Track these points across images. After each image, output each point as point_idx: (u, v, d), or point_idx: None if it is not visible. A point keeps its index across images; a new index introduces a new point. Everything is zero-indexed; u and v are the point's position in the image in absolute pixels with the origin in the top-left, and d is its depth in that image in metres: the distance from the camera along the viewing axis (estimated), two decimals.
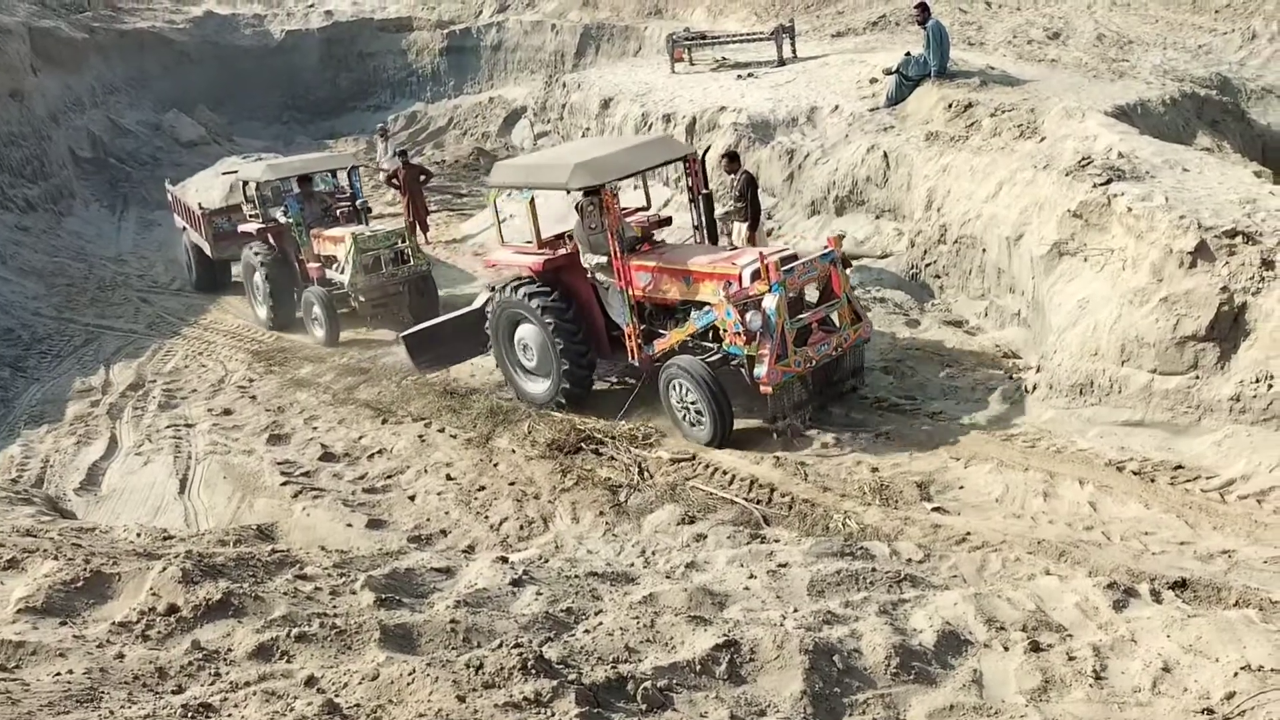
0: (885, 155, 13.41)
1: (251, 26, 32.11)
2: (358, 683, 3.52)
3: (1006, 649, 4.15)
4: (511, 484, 9.26)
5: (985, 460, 8.45)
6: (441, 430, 10.66)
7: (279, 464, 10.31)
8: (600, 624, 4.12)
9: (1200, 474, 7.81)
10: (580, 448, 9.91)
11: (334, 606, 4.26)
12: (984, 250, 11.67)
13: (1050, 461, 8.35)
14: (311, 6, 33.26)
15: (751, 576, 4.76)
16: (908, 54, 14.46)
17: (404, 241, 14.46)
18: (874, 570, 4.82)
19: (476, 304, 11.73)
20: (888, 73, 14.56)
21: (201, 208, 17.38)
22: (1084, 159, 10.69)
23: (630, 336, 9.99)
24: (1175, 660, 4.01)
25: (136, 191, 25.17)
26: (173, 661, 3.77)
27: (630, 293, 9.83)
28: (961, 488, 8.14)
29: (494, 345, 10.90)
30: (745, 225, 12.54)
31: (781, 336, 8.79)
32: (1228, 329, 8.46)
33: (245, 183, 15.93)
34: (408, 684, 3.43)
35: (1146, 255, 9.14)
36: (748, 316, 8.87)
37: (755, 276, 8.98)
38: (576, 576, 4.82)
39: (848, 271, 10.06)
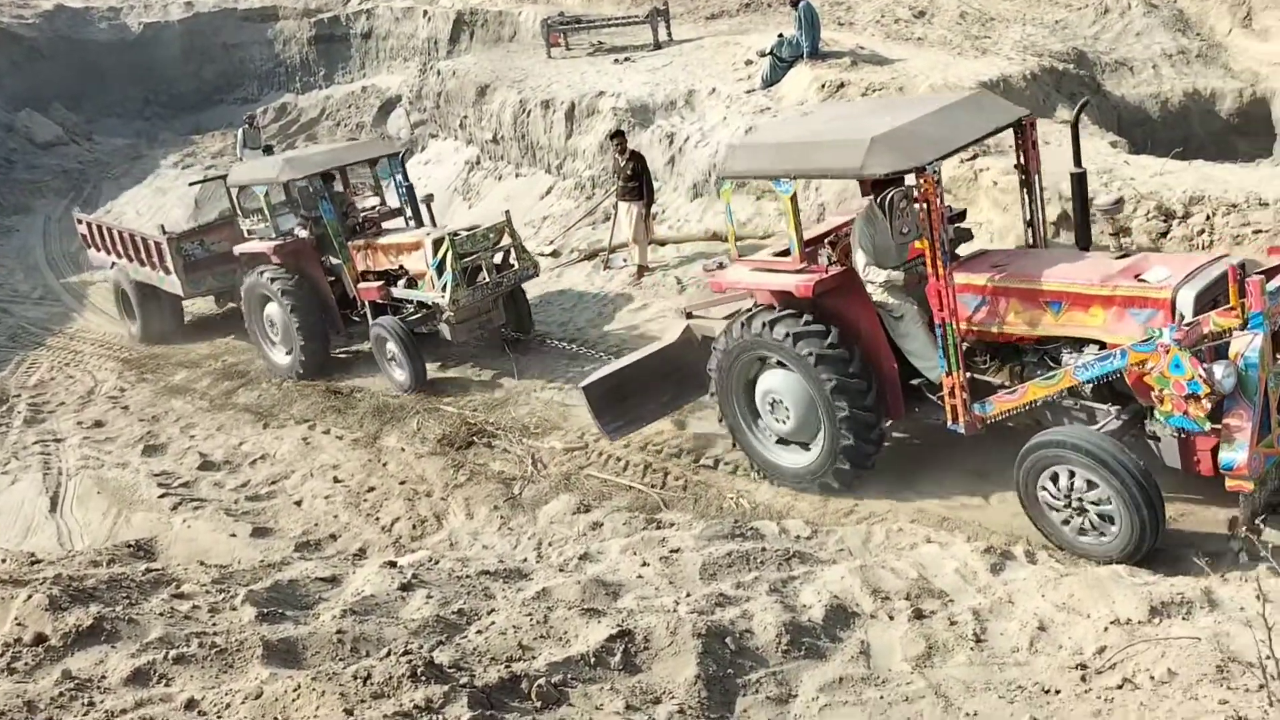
0: None
1: (106, 20, 30.64)
2: (240, 702, 3.41)
3: (891, 618, 4.26)
4: (402, 483, 9.10)
5: None
6: (326, 432, 10.41)
7: (156, 476, 9.93)
8: (493, 623, 4.07)
9: None
10: (472, 442, 9.79)
11: (214, 624, 4.12)
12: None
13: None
14: None
15: (644, 564, 4.78)
16: (780, 35, 14.64)
17: (508, 238, 11.26)
18: (764, 550, 4.89)
19: (668, 339, 8.73)
20: (762, 54, 14.71)
21: (166, 233, 13.74)
22: None
23: (953, 389, 6.54)
24: (1050, 619, 4.18)
25: None
26: (42, 694, 3.59)
27: (954, 325, 6.43)
28: None
29: (722, 400, 7.81)
30: (639, 205, 12.56)
31: (1265, 400, 5.43)
32: None
33: (238, 190, 12.52)
34: (293, 700, 3.33)
35: (1012, 227, 9.47)
36: (1216, 370, 5.37)
37: (1206, 304, 5.72)
38: (468, 576, 4.76)
39: None
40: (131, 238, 14.31)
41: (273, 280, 11.63)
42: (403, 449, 9.75)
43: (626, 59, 16.95)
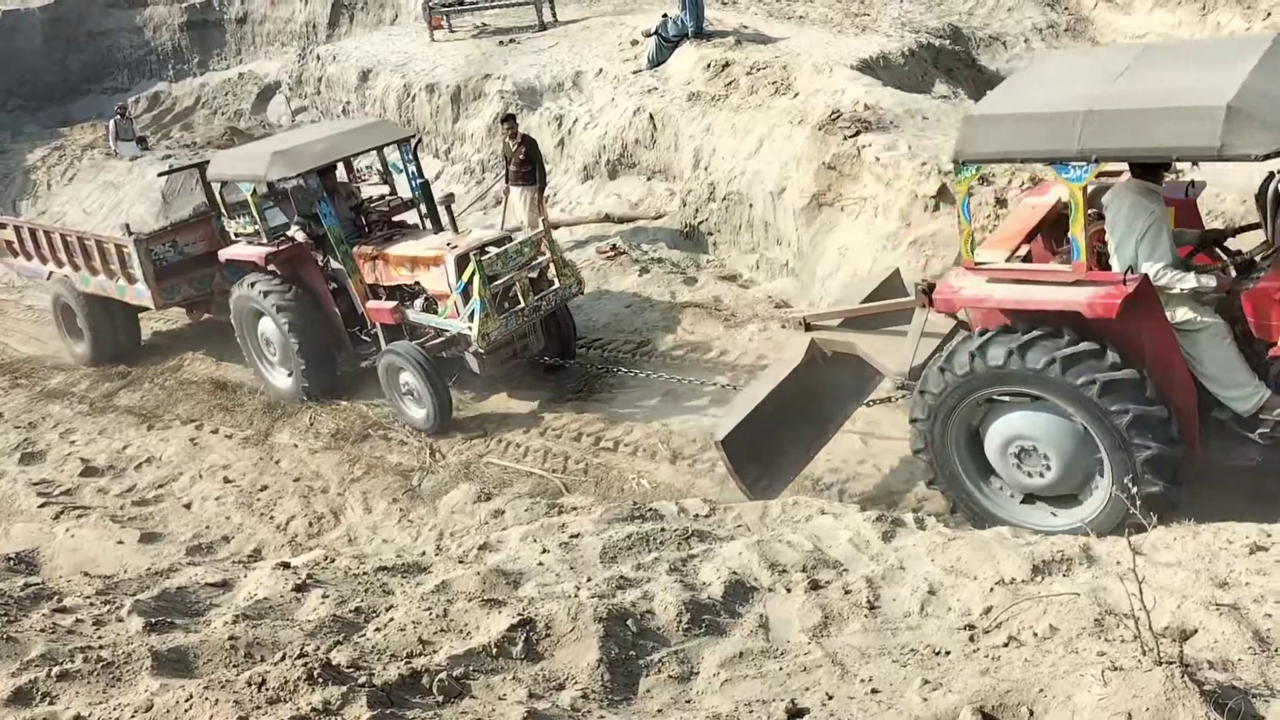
0: (651, 117, 13.60)
1: None
2: (130, 716, 3.30)
3: (789, 590, 4.34)
4: (296, 480, 8.92)
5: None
6: (215, 431, 10.12)
7: (35, 484, 9.54)
8: (391, 620, 4.02)
9: None
10: (368, 434, 9.65)
11: (99, 638, 3.97)
12: (751, 205, 12.07)
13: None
14: None
15: (545, 551, 4.78)
16: (664, 15, 14.68)
17: (546, 252, 9.55)
18: (663, 530, 4.93)
19: (791, 360, 7.19)
20: (647, 35, 14.75)
21: (132, 234, 11.54)
22: (834, 113, 11.21)
23: None
24: (939, 582, 4.32)
25: None
26: None
27: None
28: None
29: (936, 457, 6.17)
30: (532, 190, 12.47)
31: None
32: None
33: (221, 184, 10.64)
34: (185, 710, 3.24)
35: (895, 202, 9.72)
36: None
37: None
38: (365, 573, 4.69)
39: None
40: (82, 242, 12.06)
41: (266, 294, 9.95)
42: (296, 445, 9.55)
43: (512, 41, 16.78)
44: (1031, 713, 3.17)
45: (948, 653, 3.75)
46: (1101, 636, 3.54)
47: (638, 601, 4.09)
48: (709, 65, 13.62)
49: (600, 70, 14.96)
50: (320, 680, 3.27)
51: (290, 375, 10.38)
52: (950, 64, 14.56)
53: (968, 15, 16.65)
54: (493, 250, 9.20)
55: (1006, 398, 5.85)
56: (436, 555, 5.27)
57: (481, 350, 9.04)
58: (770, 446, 6.78)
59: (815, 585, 4.35)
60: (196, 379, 11.63)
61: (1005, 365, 5.62)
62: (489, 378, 9.61)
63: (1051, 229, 6.42)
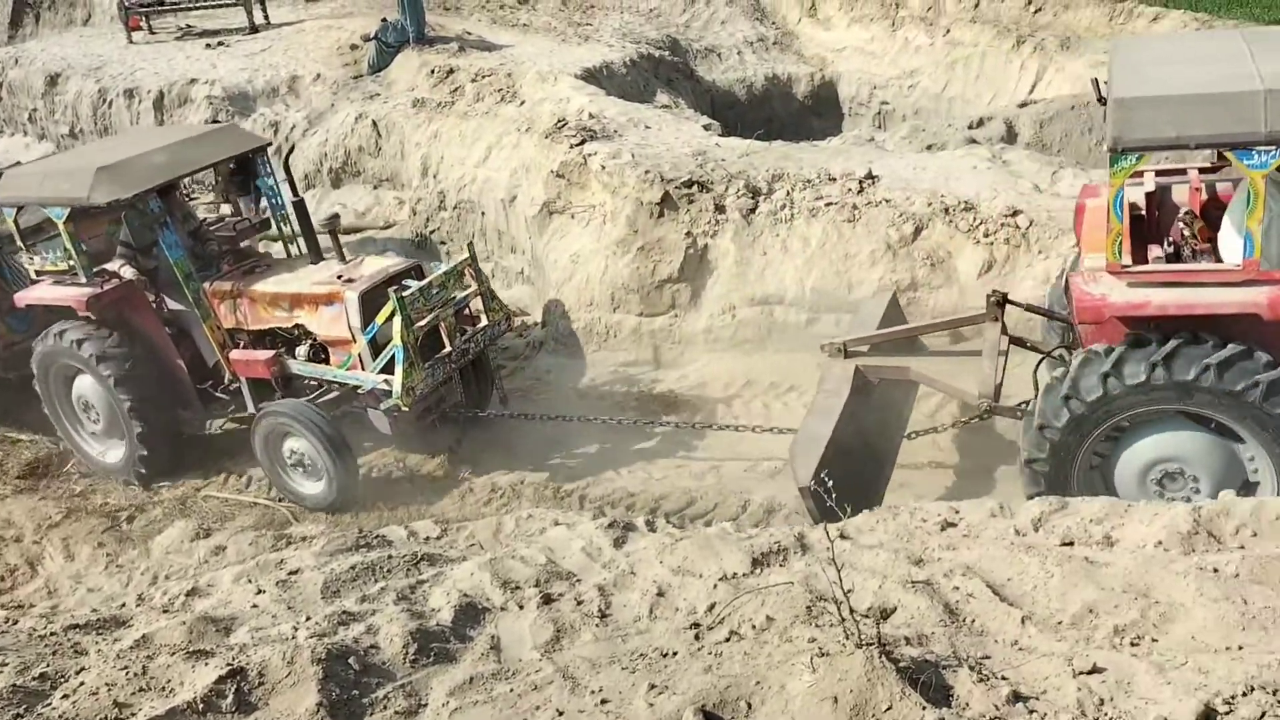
0: (375, 124, 13.20)
1: None
2: None
3: (522, 607, 4.29)
4: None
5: (495, 421, 8.60)
6: None
7: None
8: (82, 684, 3.64)
9: (687, 402, 8.67)
10: (68, 471, 8.79)
11: None
12: (483, 214, 11.95)
13: (560, 408, 8.76)
14: None
15: (260, 591, 4.48)
16: (384, 20, 14.31)
17: (471, 282, 8.13)
18: (390, 557, 4.76)
19: (841, 392, 6.65)
20: (366, 39, 14.33)
21: None
22: (560, 121, 11.30)
23: None
24: (667, 583, 4.40)
25: None
26: None
27: None
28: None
29: (1053, 489, 5.44)
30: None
31: None
32: (695, 269, 9.44)
33: (16, 210, 8.49)
34: None
35: (622, 209, 9.90)
36: None
37: None
38: (54, 633, 4.23)
39: None
40: None
41: (82, 343, 8.05)
42: None
43: (220, 43, 15.81)
44: (749, 706, 3.28)
45: (675, 654, 3.81)
46: (813, 623, 3.71)
47: (361, 637, 3.91)
48: (433, 71, 13.39)
49: (318, 75, 14.37)
50: None
51: (123, 445, 8.53)
52: (670, 74, 15.03)
53: (684, 27, 17.25)
54: (412, 284, 7.64)
55: (1139, 420, 5.42)
56: (138, 606, 4.83)
57: (406, 407, 7.52)
58: (851, 481, 6.02)
59: (548, 599, 4.32)
60: None
61: (1149, 381, 5.17)
62: (405, 435, 8.14)
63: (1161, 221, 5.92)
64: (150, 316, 8.34)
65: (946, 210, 8.74)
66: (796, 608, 3.83)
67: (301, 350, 8.03)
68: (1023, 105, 12.49)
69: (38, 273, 8.70)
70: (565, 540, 5.01)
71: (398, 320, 7.29)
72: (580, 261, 10.32)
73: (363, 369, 7.66)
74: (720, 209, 9.48)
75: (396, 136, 13.06)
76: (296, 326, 8.00)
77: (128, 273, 8.25)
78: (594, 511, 6.19)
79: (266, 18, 16.38)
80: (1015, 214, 8.53)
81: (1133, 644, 3.35)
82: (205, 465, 8.60)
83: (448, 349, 7.85)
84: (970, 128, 11.82)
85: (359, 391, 7.89)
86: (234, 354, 8.15)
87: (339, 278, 7.83)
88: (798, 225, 9.18)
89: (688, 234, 9.44)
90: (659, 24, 17.07)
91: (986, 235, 8.50)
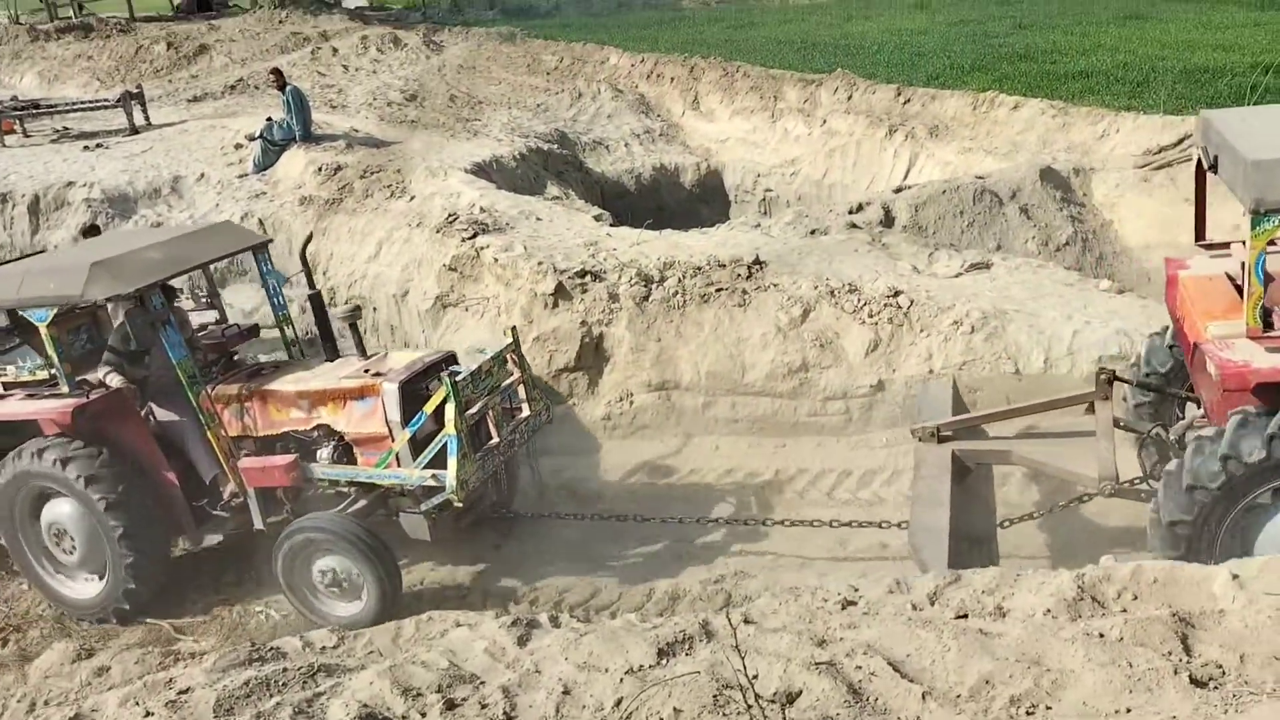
0: (261, 222, 13.08)
1: None
2: None
3: (424, 715, 4.17)
4: None
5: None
6: None
7: None
8: None
9: (586, 495, 8.65)
10: None
11: None
12: (375, 309, 11.88)
13: None
14: None
15: (148, 714, 4.26)
16: (269, 119, 14.30)
17: (514, 369, 7.60)
18: (285, 670, 4.58)
19: (942, 480, 6.48)
20: (251, 138, 14.28)
21: None
22: (451, 215, 11.39)
23: None
24: (574, 680, 4.34)
25: None
26: None
27: None
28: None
29: (1193, 553, 5.40)
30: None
31: None
32: (592, 358, 9.52)
33: None
34: None
35: (516, 300, 9.97)
36: None
37: None
38: None
39: None
40: None
41: (67, 463, 7.16)
42: None
43: (99, 145, 15.55)
44: None
45: None
46: (720, 713, 3.70)
47: None
48: (320, 169, 13.39)
49: (202, 175, 14.22)
50: None
51: (101, 578, 7.58)
52: (560, 166, 15.33)
53: (572, 121, 17.66)
54: (462, 370, 7.11)
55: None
56: None
57: (460, 503, 6.90)
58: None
59: (451, 705, 4.21)
60: None
61: None
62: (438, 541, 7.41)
63: None
64: (141, 429, 7.54)
65: (832, 293, 9.03)
66: (704, 698, 3.82)
67: (324, 452, 7.32)
68: (898, 190, 13.07)
69: (5, 386, 7.74)
70: (467, 641, 4.90)
71: (450, 407, 6.73)
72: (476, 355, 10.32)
73: (399, 465, 7.08)
74: (614, 297, 9.62)
75: (284, 234, 12.95)
76: (318, 427, 7.37)
77: (114, 381, 7.37)
78: (497, 609, 6.09)
79: (147, 119, 16.21)
80: (896, 294, 8.86)
81: (1028, 713, 3.44)
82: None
83: (495, 439, 7.27)
84: (850, 212, 12.30)
85: (390, 495, 7.35)
86: (244, 462, 7.36)
87: (366, 372, 7.35)
88: (690, 311, 9.36)
89: (583, 323, 9.53)
90: (547, 118, 17.45)
91: (871, 316, 8.80)
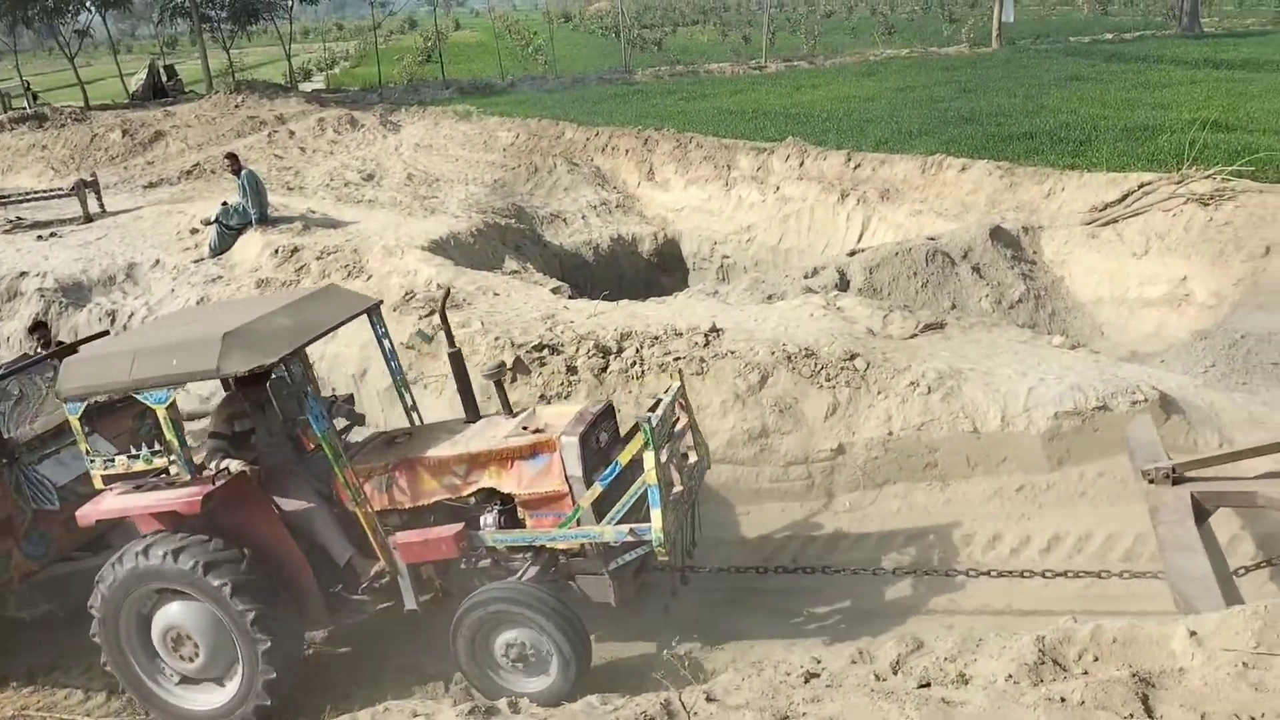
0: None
1: None
2: None
3: None
4: None
5: None
6: None
7: None
8: None
9: None
10: None
11: None
12: (334, 389, 11.75)
13: None
14: None
15: None
16: (224, 203, 14.29)
17: (682, 413, 7.31)
18: None
19: (1184, 528, 6.04)
20: (207, 223, 14.25)
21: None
22: (408, 293, 11.36)
23: None
24: None
25: None
26: None
27: None
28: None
29: None
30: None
31: None
32: None
33: (80, 398, 6.73)
34: None
35: (474, 377, 9.90)
36: None
37: None
38: None
39: None
40: None
41: (179, 554, 6.53)
42: None
43: (53, 234, 15.45)
44: None
45: None
46: None
47: None
48: (276, 251, 13.35)
49: (157, 261, 14.14)
50: None
51: (228, 683, 6.91)
52: (518, 240, 15.40)
53: (529, 195, 17.80)
54: (651, 415, 6.45)
55: None
56: None
57: (665, 556, 6.40)
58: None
59: None
60: None
61: None
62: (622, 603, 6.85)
63: None
64: (269, 514, 6.91)
65: (789, 358, 9.06)
66: None
67: (488, 518, 6.76)
68: (852, 254, 13.23)
69: (105, 479, 6.92)
70: None
71: (649, 455, 6.25)
72: None
73: (578, 524, 6.53)
74: (572, 370, 9.59)
75: None
76: (478, 493, 6.83)
77: (234, 466, 6.79)
78: (454, 697, 5.94)
79: (102, 206, 16.15)
80: (853, 357, 8.91)
81: None
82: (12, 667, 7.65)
83: (678, 487, 6.83)
84: (806, 277, 12.43)
85: (560, 558, 6.82)
86: (400, 536, 6.74)
87: (525, 429, 6.87)
88: (649, 381, 9.33)
89: (541, 396, 9.48)
90: (504, 193, 17.57)
91: (829, 379, 8.82)
